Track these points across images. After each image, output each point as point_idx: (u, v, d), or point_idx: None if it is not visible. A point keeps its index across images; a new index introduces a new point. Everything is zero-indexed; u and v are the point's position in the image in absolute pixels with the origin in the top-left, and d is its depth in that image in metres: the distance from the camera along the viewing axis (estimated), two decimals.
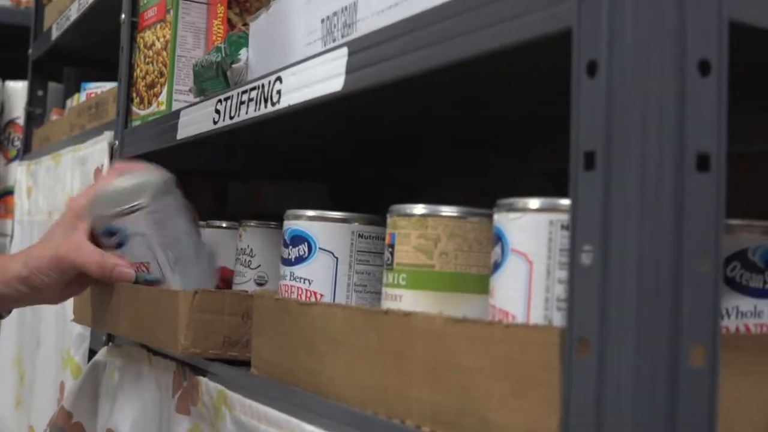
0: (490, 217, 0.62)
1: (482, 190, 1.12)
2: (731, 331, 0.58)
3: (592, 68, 0.47)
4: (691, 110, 0.46)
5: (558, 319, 0.55)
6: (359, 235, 0.83)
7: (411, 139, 1.03)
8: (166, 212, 1.00)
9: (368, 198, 1.30)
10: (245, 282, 1.06)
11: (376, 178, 1.31)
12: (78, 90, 1.91)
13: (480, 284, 0.65)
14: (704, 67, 0.46)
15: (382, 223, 0.80)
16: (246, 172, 1.37)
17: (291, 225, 0.84)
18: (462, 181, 1.15)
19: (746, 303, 0.59)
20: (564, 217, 0.54)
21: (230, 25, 1.16)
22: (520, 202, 0.57)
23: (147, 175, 1.01)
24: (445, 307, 0.65)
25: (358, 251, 0.83)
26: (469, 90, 0.71)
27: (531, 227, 0.56)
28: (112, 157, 1.36)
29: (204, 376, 0.92)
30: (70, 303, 1.24)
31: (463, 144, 1.02)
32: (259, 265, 1.06)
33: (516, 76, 0.64)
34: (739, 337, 0.57)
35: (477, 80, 0.67)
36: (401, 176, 1.27)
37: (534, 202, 0.57)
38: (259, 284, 1.06)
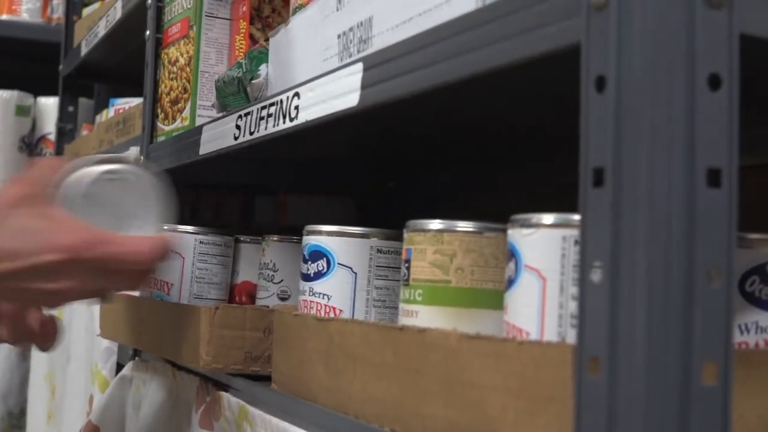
0: (506, 231, 0.61)
1: (506, 203, 1.12)
2: (750, 347, 0.58)
3: (600, 83, 0.46)
4: (701, 125, 0.45)
5: (572, 336, 0.54)
6: (378, 250, 0.82)
7: (433, 152, 1.03)
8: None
9: (393, 211, 1.29)
10: (268, 297, 1.07)
11: (402, 191, 1.31)
12: (107, 106, 1.93)
13: (496, 299, 0.64)
14: (714, 81, 0.45)
15: (401, 238, 0.80)
16: (272, 185, 1.37)
17: (310, 240, 0.84)
18: (484, 194, 1.15)
19: (765, 318, 0.58)
20: (577, 233, 0.53)
21: (252, 40, 1.16)
22: (533, 218, 0.57)
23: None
24: (461, 323, 0.65)
25: (377, 266, 0.82)
26: (482, 104, 0.71)
27: (544, 243, 0.56)
28: None
29: (226, 391, 0.92)
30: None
31: (483, 157, 1.02)
32: (282, 280, 1.06)
33: (529, 90, 0.64)
34: (751, 353, 0.56)
35: (490, 95, 0.66)
36: (426, 189, 1.27)
37: (547, 218, 0.56)
38: (282, 299, 1.06)
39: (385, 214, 1.29)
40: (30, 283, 0.79)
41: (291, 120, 0.82)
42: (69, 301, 0.85)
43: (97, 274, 0.81)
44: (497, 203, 1.13)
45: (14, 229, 0.80)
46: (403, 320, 0.69)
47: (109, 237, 0.81)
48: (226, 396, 0.91)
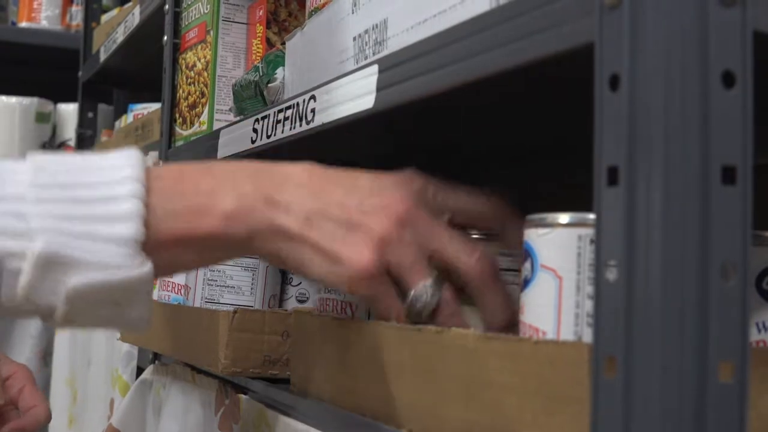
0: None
1: (524, 203, 1.12)
2: None
3: (614, 82, 0.46)
4: (716, 122, 0.45)
5: (588, 335, 0.54)
6: None
7: (449, 154, 1.03)
8: None
9: None
10: (287, 299, 1.07)
11: None
12: (126, 111, 1.94)
13: None
14: (728, 79, 0.45)
15: None
16: None
17: None
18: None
19: None
20: (593, 232, 0.53)
21: (269, 44, 1.17)
22: (549, 217, 0.57)
23: None
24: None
25: None
26: (496, 105, 0.71)
27: (560, 243, 0.56)
28: None
29: (245, 394, 0.93)
30: None
31: (500, 158, 1.02)
32: (300, 283, 1.07)
33: (543, 90, 0.64)
34: (765, 350, 0.56)
35: (504, 96, 0.66)
36: None
37: (563, 217, 0.56)
38: (301, 301, 1.06)
39: None
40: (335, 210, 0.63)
41: (307, 123, 0.82)
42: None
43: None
44: (515, 205, 1.13)
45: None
46: None
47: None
48: (245, 399, 0.91)
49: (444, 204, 0.65)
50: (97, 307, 0.59)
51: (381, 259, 0.62)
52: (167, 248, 0.61)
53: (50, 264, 0.57)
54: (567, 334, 0.56)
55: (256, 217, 0.62)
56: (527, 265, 0.58)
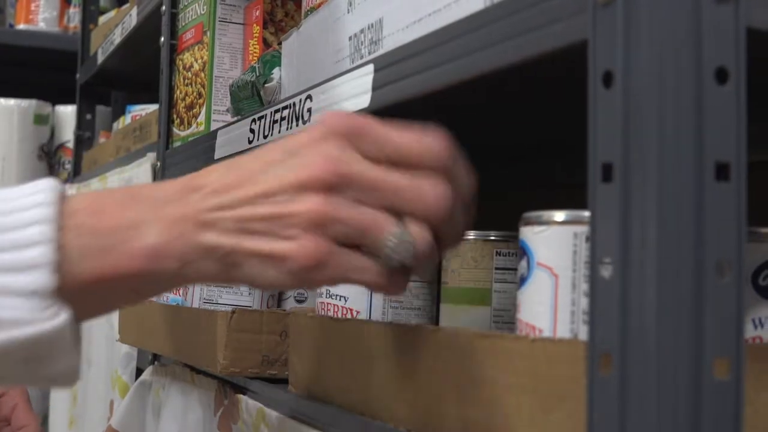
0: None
1: (517, 201, 1.12)
2: (765, 341, 0.57)
3: (608, 79, 0.46)
4: (709, 119, 0.45)
5: (584, 333, 0.54)
6: None
7: None
8: None
9: None
10: (286, 299, 1.07)
11: None
12: (124, 113, 1.94)
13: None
14: (721, 75, 0.45)
15: None
16: None
17: None
18: (497, 194, 1.15)
19: None
20: (588, 229, 0.53)
21: (266, 44, 1.17)
22: (544, 215, 0.57)
23: None
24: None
25: None
26: (492, 103, 0.71)
27: (555, 240, 0.56)
28: (155, 178, 1.38)
29: (244, 394, 0.93)
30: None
31: (495, 157, 1.02)
32: None
33: (538, 88, 0.64)
34: (765, 347, 0.56)
35: (499, 94, 0.66)
36: None
37: (558, 215, 0.56)
38: (299, 301, 1.07)
39: None
40: (260, 206, 0.56)
41: (304, 123, 0.82)
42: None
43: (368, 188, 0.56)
44: (510, 202, 1.13)
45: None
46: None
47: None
48: (243, 399, 0.92)
49: (377, 150, 0.56)
50: (6, 366, 0.53)
51: (324, 237, 0.55)
52: (89, 291, 0.55)
53: None
54: (563, 332, 0.56)
55: (184, 245, 0.55)
56: (523, 263, 0.58)
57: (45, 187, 0.55)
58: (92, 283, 0.55)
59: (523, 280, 0.58)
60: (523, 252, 0.59)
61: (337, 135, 0.56)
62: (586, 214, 0.54)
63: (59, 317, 0.53)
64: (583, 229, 0.55)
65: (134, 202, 0.56)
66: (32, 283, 0.52)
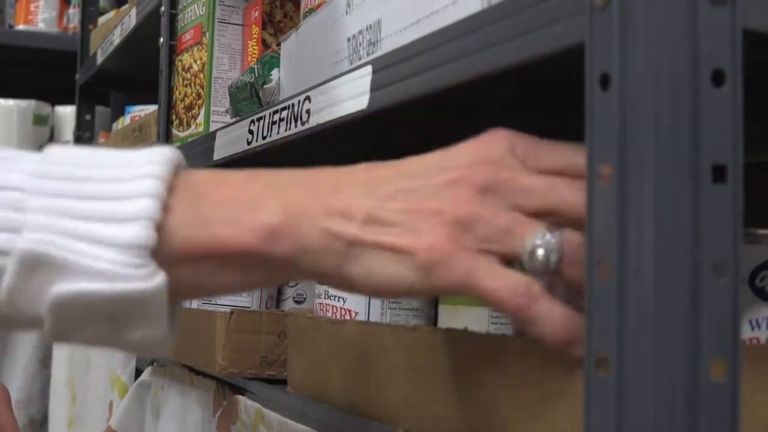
0: None
1: None
2: (762, 342, 0.58)
3: (604, 81, 0.46)
4: (706, 121, 0.45)
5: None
6: None
7: None
8: None
9: None
10: (284, 300, 1.07)
11: None
12: (123, 113, 1.94)
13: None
14: (718, 77, 0.45)
15: None
16: None
17: None
18: None
19: None
20: None
21: (265, 45, 1.17)
22: None
23: None
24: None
25: None
26: (490, 105, 0.71)
27: None
28: None
29: (243, 395, 0.93)
30: None
31: None
32: (297, 283, 1.07)
33: (536, 90, 0.64)
34: (763, 348, 0.56)
35: (497, 95, 0.66)
36: None
37: None
38: (298, 302, 1.07)
39: None
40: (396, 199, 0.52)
41: (302, 124, 0.82)
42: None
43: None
44: None
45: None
46: None
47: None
48: (242, 400, 0.92)
49: (539, 163, 0.52)
50: (90, 322, 0.50)
51: (461, 237, 0.50)
52: (190, 263, 0.51)
53: (35, 265, 0.48)
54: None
55: (306, 229, 0.51)
56: None
57: (163, 150, 0.52)
58: (197, 255, 0.51)
59: None
60: None
61: (500, 142, 0.53)
62: None
63: (153, 280, 0.49)
64: None
65: (256, 180, 0.54)
66: (130, 235, 0.48)
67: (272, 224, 0.51)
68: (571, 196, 0.50)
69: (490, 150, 0.53)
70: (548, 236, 0.50)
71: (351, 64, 0.78)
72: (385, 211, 0.51)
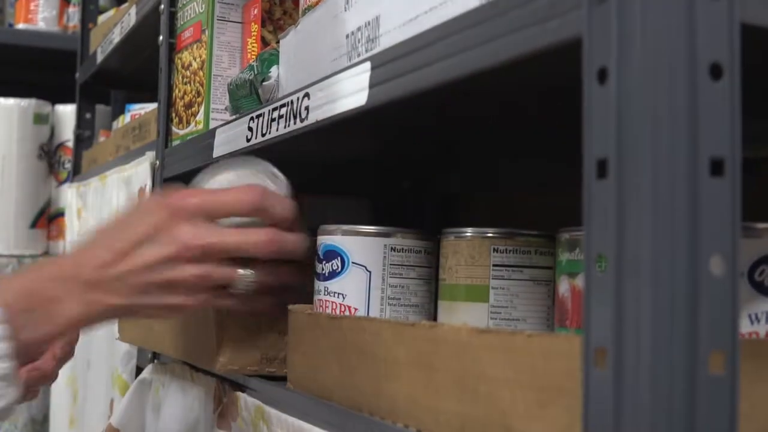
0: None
1: (518, 200, 1.12)
2: (761, 336, 0.58)
3: (602, 75, 0.46)
4: (704, 115, 0.45)
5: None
6: (392, 248, 0.83)
7: (444, 150, 1.03)
8: None
9: (409, 211, 1.30)
10: None
11: (417, 190, 1.31)
12: (123, 112, 1.94)
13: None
14: (716, 71, 0.45)
15: (415, 237, 0.82)
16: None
17: (324, 240, 0.85)
18: (497, 192, 1.15)
19: None
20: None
21: (264, 43, 1.17)
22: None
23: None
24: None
25: (391, 264, 0.83)
26: (488, 100, 0.71)
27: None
28: (154, 176, 1.38)
29: (243, 391, 0.93)
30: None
31: (493, 154, 1.02)
32: None
33: (534, 85, 0.64)
34: (761, 342, 0.56)
35: (496, 91, 0.67)
36: (441, 188, 1.27)
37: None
38: None
39: (400, 213, 1.29)
40: (148, 275, 0.80)
41: (302, 120, 0.82)
42: (197, 293, 0.83)
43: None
44: (510, 201, 1.13)
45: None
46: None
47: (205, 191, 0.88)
48: (242, 396, 0.92)
49: (205, 211, 0.82)
50: None
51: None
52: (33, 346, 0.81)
53: None
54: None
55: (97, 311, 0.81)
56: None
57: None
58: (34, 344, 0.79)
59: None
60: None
61: (182, 214, 0.81)
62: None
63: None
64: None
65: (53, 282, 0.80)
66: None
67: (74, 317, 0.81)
68: (240, 240, 0.84)
69: (167, 213, 0.83)
70: (242, 276, 0.85)
71: (350, 60, 0.78)
72: (146, 284, 0.84)
